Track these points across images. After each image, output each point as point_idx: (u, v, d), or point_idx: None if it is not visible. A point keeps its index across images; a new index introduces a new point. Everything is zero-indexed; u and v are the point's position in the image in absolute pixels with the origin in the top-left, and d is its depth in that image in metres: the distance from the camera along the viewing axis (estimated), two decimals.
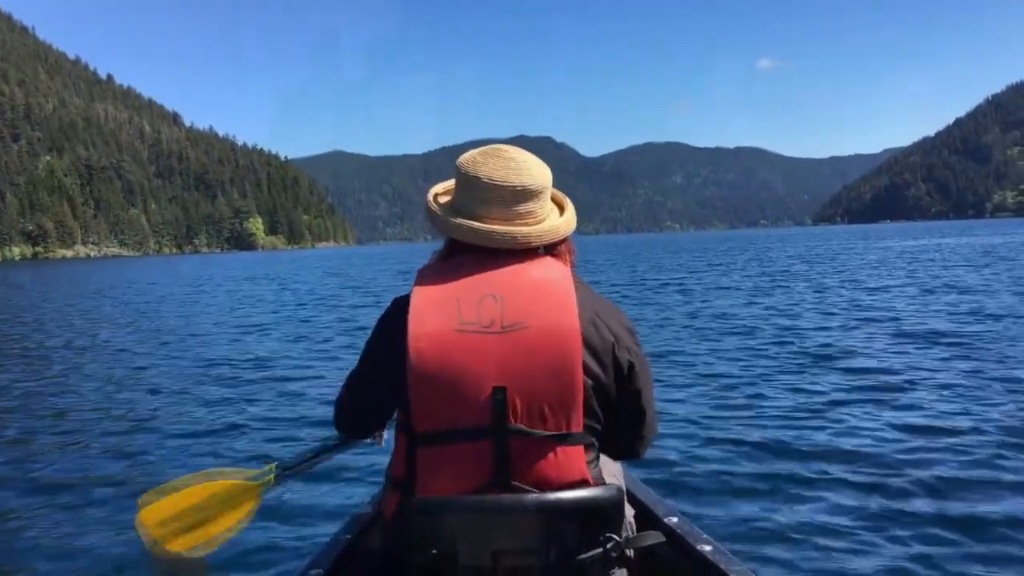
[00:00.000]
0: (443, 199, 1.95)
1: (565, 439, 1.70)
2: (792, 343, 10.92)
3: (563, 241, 1.91)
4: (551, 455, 1.70)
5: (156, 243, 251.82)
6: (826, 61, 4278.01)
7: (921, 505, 4.57)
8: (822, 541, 4.12)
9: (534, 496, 1.68)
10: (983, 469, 5.09)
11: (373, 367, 1.88)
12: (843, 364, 9.09)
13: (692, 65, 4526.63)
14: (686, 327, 13.22)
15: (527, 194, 1.82)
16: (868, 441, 5.85)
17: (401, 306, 1.80)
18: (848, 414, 6.70)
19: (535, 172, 1.84)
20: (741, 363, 9.43)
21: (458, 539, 1.69)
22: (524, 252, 1.81)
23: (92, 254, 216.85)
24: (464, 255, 1.82)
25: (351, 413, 2.02)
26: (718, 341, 11.41)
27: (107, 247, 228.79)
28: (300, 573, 2.07)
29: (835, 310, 14.82)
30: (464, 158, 1.89)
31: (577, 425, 1.71)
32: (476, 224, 1.80)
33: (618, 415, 1.85)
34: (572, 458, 1.72)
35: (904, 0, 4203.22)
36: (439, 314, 1.69)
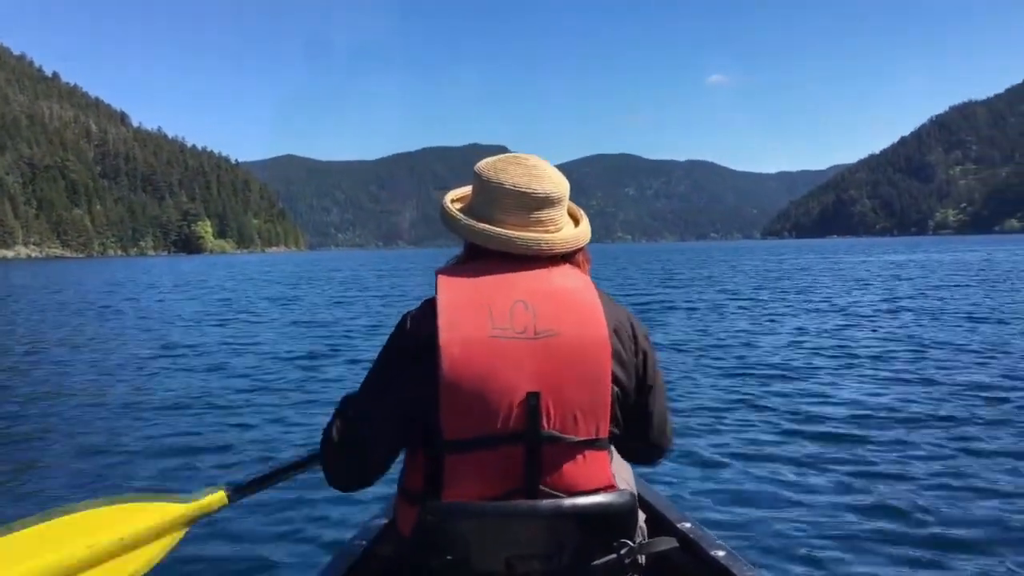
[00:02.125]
0: (458, 205, 1.94)
1: (593, 444, 1.72)
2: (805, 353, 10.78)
3: (580, 250, 1.93)
4: (580, 460, 1.71)
5: (100, 245, 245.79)
6: (775, 77, 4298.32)
7: (940, 512, 4.66)
8: (836, 549, 4.19)
9: (549, 501, 1.67)
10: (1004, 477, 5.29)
11: (390, 383, 1.78)
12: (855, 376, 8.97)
13: (645, 78, 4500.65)
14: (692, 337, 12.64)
15: (549, 202, 1.83)
16: (884, 450, 6.00)
17: (419, 317, 1.78)
18: (864, 417, 7.01)
19: (556, 180, 1.86)
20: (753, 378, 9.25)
21: (473, 545, 1.67)
22: (544, 259, 1.82)
23: (33, 255, 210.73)
24: (484, 261, 1.82)
25: (357, 449, 1.82)
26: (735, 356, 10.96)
27: (49, 248, 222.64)
28: None
29: (831, 325, 14.51)
30: (484, 165, 1.90)
31: (604, 431, 1.73)
32: (499, 229, 1.80)
33: (636, 420, 1.88)
34: (600, 463, 1.74)
35: (852, 22, 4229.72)
36: (471, 320, 1.68)
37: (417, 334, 1.74)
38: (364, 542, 2.22)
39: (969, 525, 4.47)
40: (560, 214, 1.88)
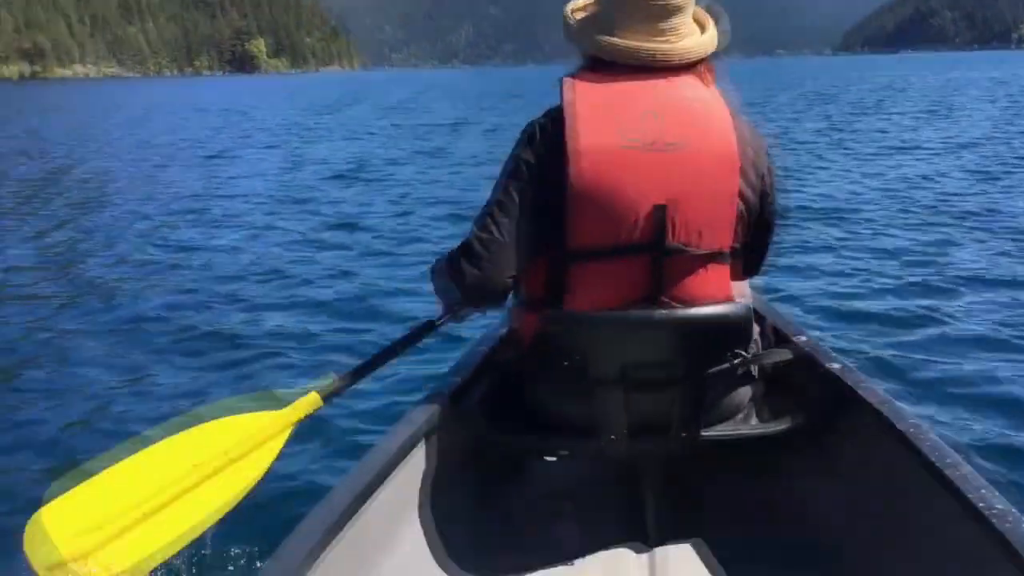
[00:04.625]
0: (579, 15, 1.87)
1: (716, 257, 1.73)
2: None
3: (703, 60, 1.82)
4: (702, 273, 1.72)
5: (156, 64, 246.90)
6: None
7: None
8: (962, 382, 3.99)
9: (666, 311, 1.70)
10: None
11: (520, 189, 1.74)
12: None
13: None
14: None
15: (672, 8, 1.74)
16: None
17: (547, 124, 1.76)
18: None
19: None
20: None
21: (591, 352, 1.72)
22: (669, 70, 1.76)
23: (91, 74, 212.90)
24: (606, 72, 1.77)
25: (489, 257, 1.75)
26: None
27: (106, 67, 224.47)
28: (441, 379, 2.10)
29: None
30: None
31: (727, 245, 1.74)
32: (624, 41, 1.74)
33: (753, 235, 1.87)
34: (721, 276, 1.75)
35: None
36: (601, 129, 1.66)
37: (539, 148, 1.74)
38: (485, 348, 2.23)
39: None
40: (684, 21, 1.79)
